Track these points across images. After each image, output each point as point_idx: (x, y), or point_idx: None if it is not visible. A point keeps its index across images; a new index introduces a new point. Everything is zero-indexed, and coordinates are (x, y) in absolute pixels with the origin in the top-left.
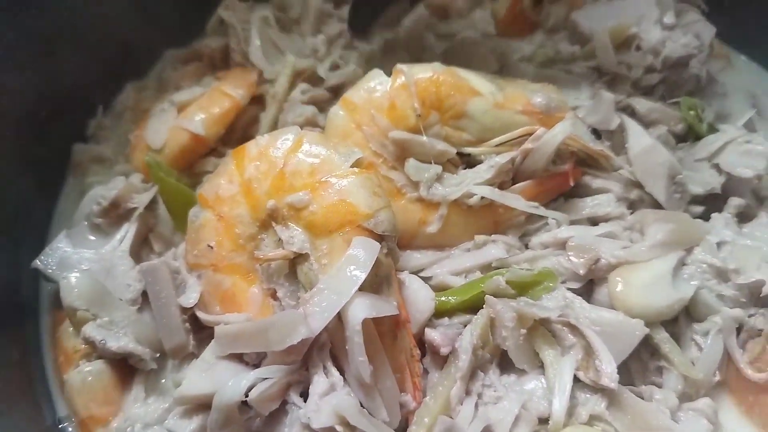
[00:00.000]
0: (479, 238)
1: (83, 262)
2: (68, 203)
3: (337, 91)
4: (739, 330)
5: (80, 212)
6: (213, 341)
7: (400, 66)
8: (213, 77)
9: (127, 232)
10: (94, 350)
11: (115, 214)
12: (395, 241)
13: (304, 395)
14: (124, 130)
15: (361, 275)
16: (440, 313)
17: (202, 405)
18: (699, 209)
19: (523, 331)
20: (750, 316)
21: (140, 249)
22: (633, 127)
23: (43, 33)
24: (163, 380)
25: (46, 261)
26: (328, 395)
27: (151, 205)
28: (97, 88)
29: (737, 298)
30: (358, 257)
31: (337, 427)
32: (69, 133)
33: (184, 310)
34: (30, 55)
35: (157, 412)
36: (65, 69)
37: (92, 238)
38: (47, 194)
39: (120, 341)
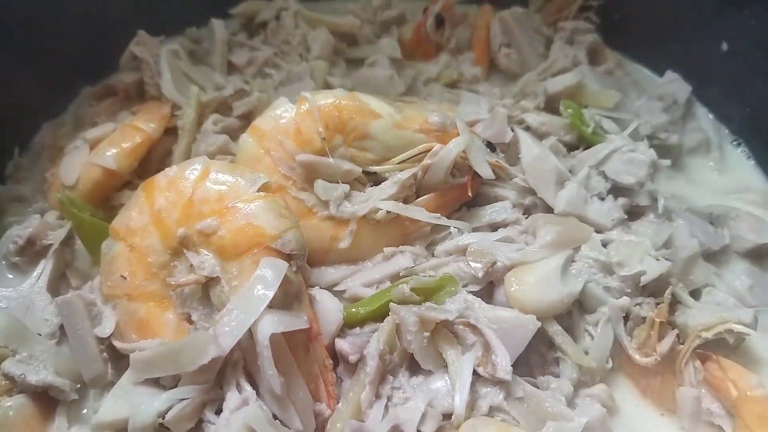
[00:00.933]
0: (388, 250)
1: (1, 300)
2: None
3: (248, 118)
4: (626, 318)
5: None
6: (128, 368)
7: (303, 93)
8: (128, 112)
9: (44, 268)
10: (14, 385)
11: (31, 251)
12: (304, 259)
13: (219, 413)
14: (42, 169)
15: (269, 293)
16: (351, 323)
17: (120, 431)
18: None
19: (426, 333)
20: (636, 305)
21: (58, 284)
22: (525, 139)
23: None
24: (84, 410)
25: None
26: (239, 410)
27: (68, 241)
28: (13, 129)
29: (623, 289)
30: (266, 277)
31: None
32: None
33: (101, 340)
34: None
35: None
36: None
37: (10, 276)
38: None
39: (39, 374)
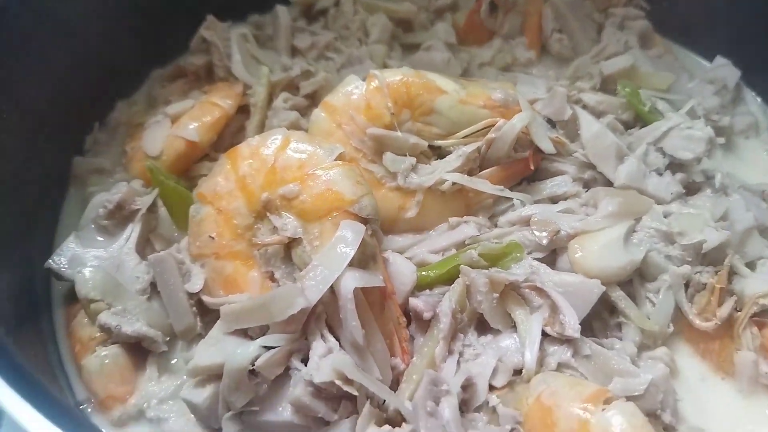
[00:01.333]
0: (453, 219)
1: (93, 259)
2: (71, 211)
3: (313, 98)
4: (687, 286)
5: (86, 217)
6: (219, 320)
7: (373, 71)
8: (200, 91)
9: (132, 231)
10: (110, 336)
11: (120, 215)
12: (378, 224)
13: (305, 362)
14: (119, 143)
15: (350, 252)
16: (422, 286)
17: (213, 375)
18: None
19: (496, 295)
20: (696, 273)
21: (143, 248)
22: (584, 116)
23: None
24: (174, 361)
25: (58, 261)
26: (327, 356)
27: (152, 208)
28: (90, 107)
29: (683, 258)
30: (347, 237)
31: (337, 381)
32: (68, 148)
33: (190, 295)
34: (31, 80)
35: (171, 388)
36: (60, 88)
37: (100, 239)
38: (51, 204)
39: (134, 326)
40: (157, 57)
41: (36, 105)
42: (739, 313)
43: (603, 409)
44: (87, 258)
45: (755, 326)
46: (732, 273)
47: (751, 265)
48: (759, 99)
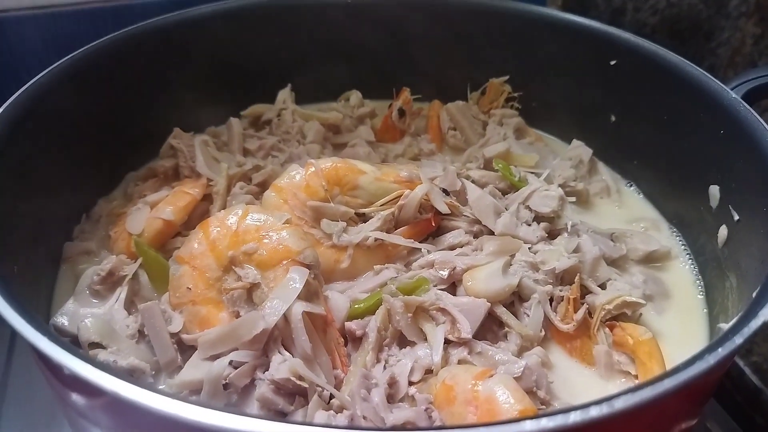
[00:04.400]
0: (377, 267)
1: (90, 315)
2: (63, 285)
3: (262, 185)
4: (551, 300)
5: (81, 284)
6: (197, 350)
7: (310, 160)
8: (169, 187)
9: (121, 293)
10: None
11: (110, 281)
12: (318, 270)
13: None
14: (102, 230)
15: (299, 287)
16: (354, 316)
17: (194, 390)
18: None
19: (410, 315)
20: (557, 290)
21: (130, 307)
22: (469, 185)
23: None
24: (161, 387)
25: (61, 318)
26: (284, 362)
27: (135, 276)
28: (77, 204)
29: (546, 280)
30: (295, 278)
31: (292, 378)
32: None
33: (172, 335)
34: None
35: None
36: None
37: (94, 301)
38: (46, 282)
39: (127, 359)
40: (131, 162)
41: (32, 209)
42: (592, 318)
43: (487, 381)
44: (85, 314)
45: (608, 328)
46: (587, 291)
47: (602, 286)
48: (609, 169)
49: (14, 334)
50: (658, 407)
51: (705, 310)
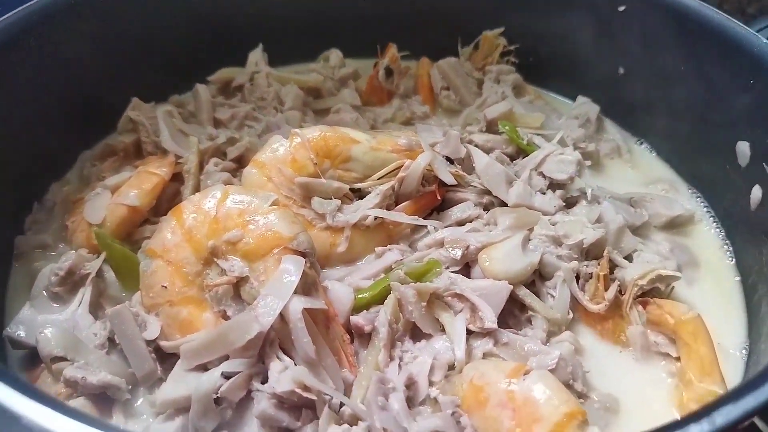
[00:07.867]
0: (379, 249)
1: (50, 323)
2: (17, 287)
3: (240, 161)
4: (578, 278)
5: (37, 286)
6: (180, 360)
7: (294, 130)
8: (131, 166)
9: (84, 294)
10: (75, 390)
11: (71, 281)
12: (315, 257)
13: (265, 383)
14: (58, 220)
15: (295, 280)
16: (359, 308)
17: (180, 408)
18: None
19: (423, 304)
20: (583, 266)
21: (96, 310)
22: (476, 152)
23: None
24: (137, 404)
25: (15, 328)
26: (285, 370)
27: (99, 273)
28: (26, 190)
29: (570, 255)
30: (290, 269)
31: (297, 390)
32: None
33: (148, 343)
34: None
35: (139, 429)
36: None
37: (54, 305)
38: None
39: (98, 375)
40: (84, 139)
41: None
42: (624, 296)
43: (523, 379)
44: (44, 323)
45: (640, 305)
46: (614, 265)
47: (628, 257)
48: (618, 127)
49: None
50: None
51: (737, 278)
